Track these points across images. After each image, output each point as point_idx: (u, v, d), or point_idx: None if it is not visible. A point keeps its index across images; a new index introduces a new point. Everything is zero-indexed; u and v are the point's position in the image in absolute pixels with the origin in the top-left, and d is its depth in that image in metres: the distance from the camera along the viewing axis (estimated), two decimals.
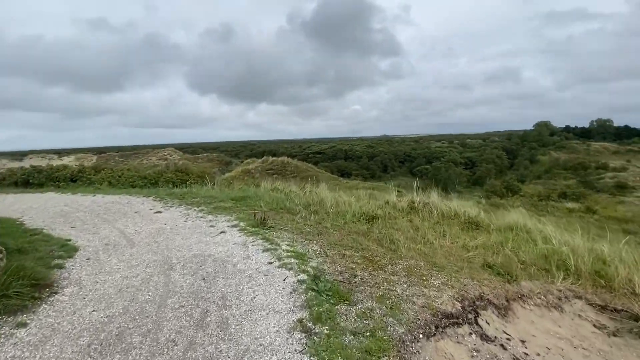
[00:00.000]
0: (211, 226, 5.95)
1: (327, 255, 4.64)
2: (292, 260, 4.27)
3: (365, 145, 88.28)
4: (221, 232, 5.54)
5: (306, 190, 10.48)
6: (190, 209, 7.23)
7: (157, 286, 3.76)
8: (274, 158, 53.23)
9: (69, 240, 5.28)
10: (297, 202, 8.07)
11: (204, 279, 3.89)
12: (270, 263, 4.22)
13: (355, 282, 3.89)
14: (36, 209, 7.39)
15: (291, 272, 3.96)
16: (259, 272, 4.00)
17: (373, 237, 5.78)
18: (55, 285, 3.82)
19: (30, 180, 11.82)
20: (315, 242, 5.25)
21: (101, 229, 5.88)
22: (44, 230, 5.71)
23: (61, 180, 11.77)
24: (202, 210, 7.06)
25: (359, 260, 4.55)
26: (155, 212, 6.96)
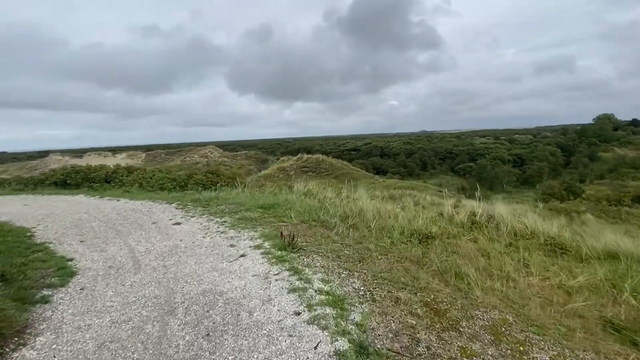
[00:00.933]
0: (231, 245, 4.96)
1: (374, 300, 3.42)
2: (327, 311, 3.11)
3: (402, 142, 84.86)
4: (241, 256, 4.52)
5: (343, 196, 9.28)
6: (212, 220, 6.34)
7: (146, 343, 2.78)
8: (309, 155, 52.60)
9: (71, 260, 4.56)
10: (333, 212, 6.90)
11: (207, 334, 2.85)
12: (297, 314, 3.08)
13: (420, 355, 2.64)
14: (56, 216, 6.94)
15: (326, 333, 2.79)
16: (282, 329, 2.88)
17: (432, 268, 4.44)
18: (29, 331, 2.99)
19: (68, 181, 11.83)
20: (356, 273, 4.05)
21: (110, 245, 5.14)
22: (50, 245, 5.08)
23: (96, 181, 11.64)
24: (225, 222, 6.13)
25: (419, 310, 3.28)
26: (173, 224, 6.16)
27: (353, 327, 2.88)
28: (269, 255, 4.45)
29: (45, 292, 3.64)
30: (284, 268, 4.04)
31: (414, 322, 3.06)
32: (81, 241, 5.32)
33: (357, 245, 5.21)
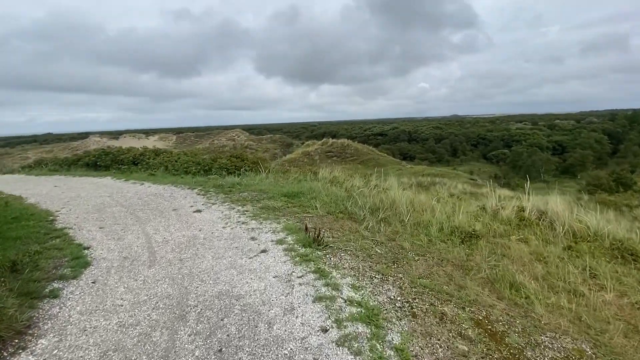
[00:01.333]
0: (252, 238, 4.57)
1: (414, 315, 2.88)
2: (360, 329, 2.61)
3: (432, 127, 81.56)
4: (262, 252, 4.11)
5: (371, 185, 8.66)
6: (234, 208, 5.99)
7: (152, 356, 2.43)
8: (334, 140, 51.84)
9: (87, 248, 4.36)
10: (362, 203, 6.34)
11: (220, 350, 2.45)
12: (324, 330, 2.61)
13: None
14: (81, 199, 6.89)
15: None
16: (306, 349, 2.42)
17: (480, 275, 3.81)
18: (32, 332, 2.74)
19: (98, 163, 12.01)
20: (391, 278, 3.52)
21: (128, 233, 4.91)
22: (69, 232, 4.93)
23: (124, 163, 11.74)
24: (247, 212, 5.76)
25: (470, 332, 2.71)
26: (194, 212, 5.87)
27: (392, 353, 2.37)
28: (292, 253, 4.00)
29: (55, 284, 3.41)
30: (308, 269, 3.58)
31: (466, 349, 2.50)
32: (100, 227, 5.14)
33: (390, 243, 4.66)
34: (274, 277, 3.47)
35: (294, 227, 4.88)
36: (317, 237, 4.25)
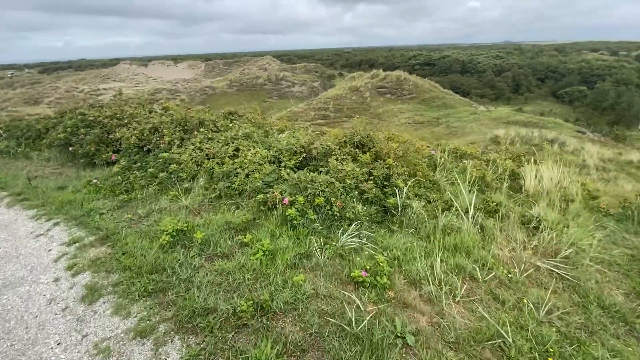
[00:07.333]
0: None
1: None
2: None
3: (491, 56, 66.74)
4: None
5: None
6: None
7: None
8: (387, 73, 41.83)
9: None
10: None
11: None
12: None
13: None
14: None
15: None
16: None
17: None
18: None
19: (73, 144, 5.44)
20: None
21: None
22: None
23: (125, 150, 5.13)
24: None
25: None
26: None
27: None
28: None
29: None
30: None
31: None
32: None
33: None
34: None
35: None
36: None
